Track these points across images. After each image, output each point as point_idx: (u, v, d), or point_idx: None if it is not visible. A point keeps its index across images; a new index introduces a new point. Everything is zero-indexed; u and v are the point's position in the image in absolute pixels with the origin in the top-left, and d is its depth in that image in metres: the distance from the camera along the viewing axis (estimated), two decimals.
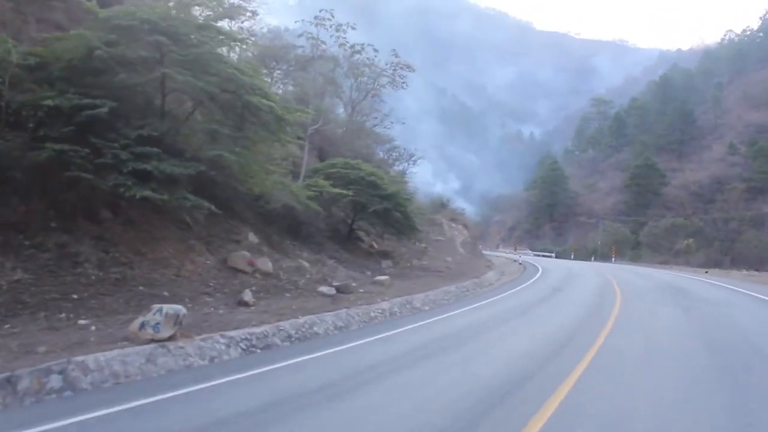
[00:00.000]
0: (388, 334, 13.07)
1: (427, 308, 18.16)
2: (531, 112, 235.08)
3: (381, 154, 58.46)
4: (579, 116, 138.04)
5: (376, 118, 50.13)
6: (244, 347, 10.59)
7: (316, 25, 27.70)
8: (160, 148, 13.98)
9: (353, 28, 30.73)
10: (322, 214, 25.37)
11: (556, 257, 78.11)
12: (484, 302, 20.15)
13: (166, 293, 12.95)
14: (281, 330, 11.77)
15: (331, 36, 28.12)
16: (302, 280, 17.40)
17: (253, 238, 18.23)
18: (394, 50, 46.15)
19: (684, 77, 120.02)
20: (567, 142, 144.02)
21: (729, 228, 74.50)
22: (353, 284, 18.78)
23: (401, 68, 46.26)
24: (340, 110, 47.48)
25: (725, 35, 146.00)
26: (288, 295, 15.58)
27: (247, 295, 13.50)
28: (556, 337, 13.04)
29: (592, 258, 74.31)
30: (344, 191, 24.24)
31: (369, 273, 23.28)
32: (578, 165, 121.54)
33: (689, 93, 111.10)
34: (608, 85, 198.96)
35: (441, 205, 65.03)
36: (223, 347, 10.21)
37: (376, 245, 31.01)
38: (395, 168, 58.95)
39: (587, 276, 35.25)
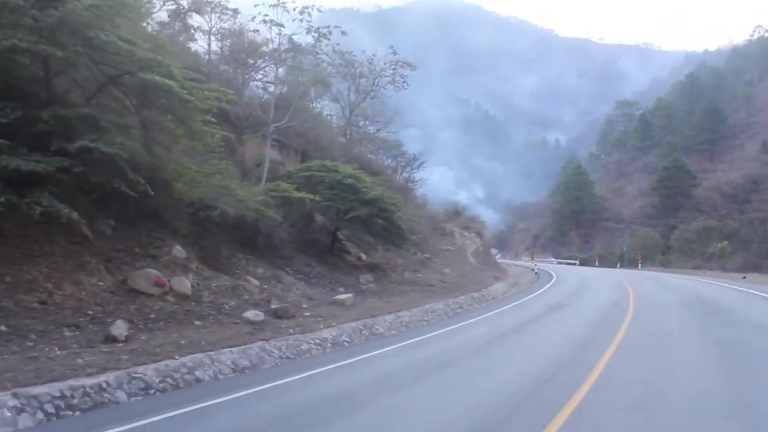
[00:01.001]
0: (297, 377, 9.54)
1: (392, 333, 14.57)
2: (555, 119, 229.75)
3: (389, 161, 55.08)
4: (604, 121, 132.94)
5: (378, 121, 46.65)
6: (51, 411, 7.10)
7: (274, 6, 24.25)
8: (20, 139, 10.72)
9: (319, 11, 27.26)
10: (287, 222, 21.98)
11: (581, 265, 73.71)
12: (463, 324, 16.48)
13: (3, 328, 9.56)
14: (135, 379, 8.27)
15: (294, 20, 24.65)
16: (232, 302, 13.89)
17: (179, 252, 14.79)
18: (391, 47, 42.77)
19: (712, 76, 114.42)
20: (592, 147, 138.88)
21: (767, 229, 69.25)
22: (303, 306, 15.28)
23: (401, 67, 42.90)
24: (337, 113, 44.22)
25: (755, 31, 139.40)
26: (198, 323, 12.09)
27: (118, 328, 10.04)
28: (498, 403, 7.98)
29: (618, 265, 69.68)
30: (309, 196, 20.77)
31: (342, 290, 19.72)
32: (604, 169, 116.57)
33: (718, 92, 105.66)
34: (634, 89, 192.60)
35: (456, 212, 61.26)
36: (8, 414, 6.73)
37: (364, 257, 27.43)
38: (404, 175, 55.58)
39: (601, 288, 30.67)
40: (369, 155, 49.14)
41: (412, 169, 55.43)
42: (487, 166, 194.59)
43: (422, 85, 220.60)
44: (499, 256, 79.27)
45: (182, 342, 10.17)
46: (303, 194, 20.54)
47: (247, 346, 10.55)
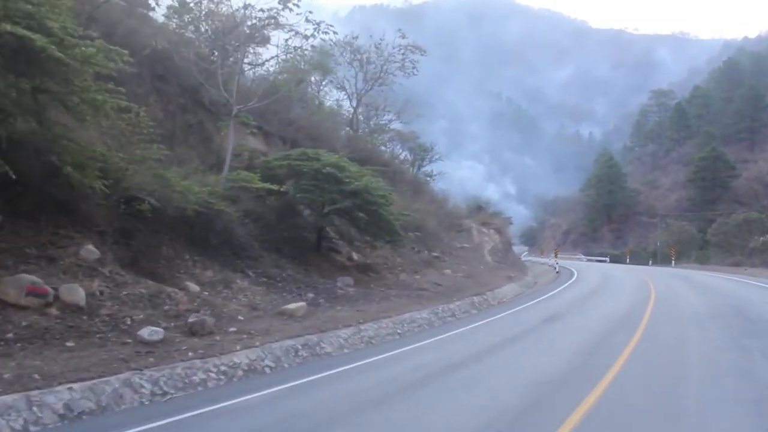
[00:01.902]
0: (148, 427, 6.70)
1: (344, 352, 11.73)
2: (589, 112, 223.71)
3: (405, 153, 52.08)
4: (638, 113, 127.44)
5: (388, 111, 43.65)
6: None
7: None
8: None
9: None
10: (253, 217, 19.19)
11: (611, 262, 69.77)
12: (432, 340, 13.47)
13: None
14: None
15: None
16: (142, 315, 11.10)
17: (90, 252, 12.10)
18: (399, 30, 39.79)
19: (752, 61, 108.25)
20: (627, 140, 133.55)
21: None
22: (239, 318, 12.47)
23: (411, 51, 39.93)
24: (344, 102, 41.37)
25: None
26: (72, 344, 9.32)
27: None
28: None
29: (650, 262, 65.47)
30: (274, 186, 17.98)
31: (311, 296, 16.89)
32: (638, 162, 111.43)
33: (759, 77, 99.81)
34: (670, 79, 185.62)
35: (478, 208, 57.94)
36: None
37: (356, 257, 24.53)
38: (422, 168, 52.54)
39: (620, 290, 26.88)
40: (381, 147, 46.32)
41: (428, 162, 52.24)
42: (518, 161, 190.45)
43: (452, 78, 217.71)
44: (525, 253, 75.71)
45: (6, 375, 7.41)
46: (268, 185, 17.71)
47: (104, 379, 7.76)
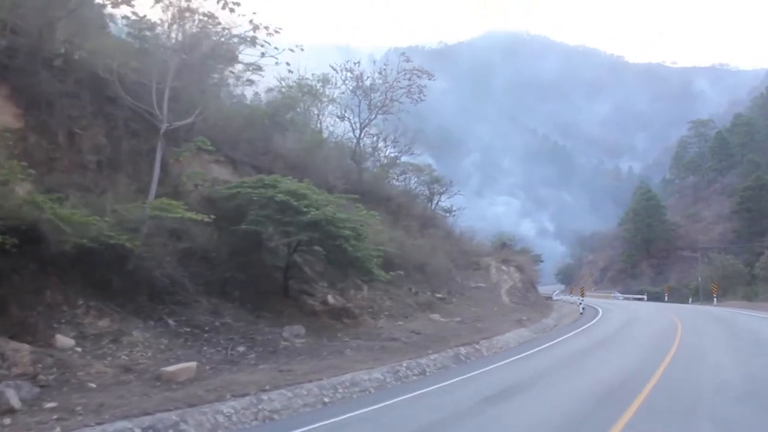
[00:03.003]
0: None
1: None
2: (628, 147, 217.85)
3: (421, 188, 48.78)
4: (677, 144, 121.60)
5: (397, 141, 40.56)
6: None
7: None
8: None
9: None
10: (193, 255, 16.09)
11: (649, 299, 64.64)
12: (367, 410, 9.94)
13: None
14: None
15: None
16: None
17: None
18: (404, 53, 36.98)
19: None
20: (667, 173, 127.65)
21: None
22: (90, 385, 9.25)
23: (417, 75, 37.04)
24: (348, 134, 38.41)
25: None
26: None
27: None
28: None
29: (690, 300, 60.11)
30: (199, 217, 14.86)
31: (241, 350, 13.62)
32: (679, 195, 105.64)
33: None
34: (711, 111, 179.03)
35: (502, 245, 54.05)
36: None
37: (333, 300, 21.17)
38: (439, 203, 49.14)
39: (635, 339, 22.07)
40: (394, 181, 43.21)
41: (446, 196, 48.78)
42: (555, 196, 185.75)
43: (487, 115, 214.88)
44: (557, 292, 71.19)
45: None
46: (191, 215, 14.60)
47: None
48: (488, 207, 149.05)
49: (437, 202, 48.76)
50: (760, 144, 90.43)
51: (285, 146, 26.69)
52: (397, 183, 44.13)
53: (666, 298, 64.45)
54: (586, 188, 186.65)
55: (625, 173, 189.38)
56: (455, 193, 49.14)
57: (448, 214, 49.48)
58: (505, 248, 52.11)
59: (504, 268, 40.18)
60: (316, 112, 35.22)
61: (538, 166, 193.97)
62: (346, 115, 36.98)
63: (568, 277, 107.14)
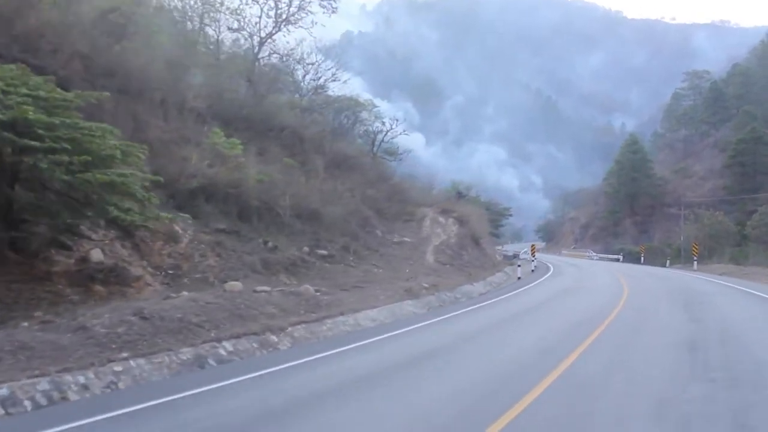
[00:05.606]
0: None
1: None
2: (622, 103, 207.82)
3: (357, 125, 40.99)
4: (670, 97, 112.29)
5: (314, 63, 32.43)
6: None
7: None
8: None
9: None
10: None
11: (625, 261, 57.34)
12: None
13: None
14: None
15: None
16: None
17: None
18: None
19: None
20: (658, 126, 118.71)
21: None
22: None
23: None
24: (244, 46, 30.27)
25: None
26: None
27: None
28: None
29: (667, 263, 52.66)
30: None
31: None
32: (669, 149, 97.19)
33: None
34: (709, 68, 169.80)
35: (458, 194, 46.44)
36: None
37: (103, 255, 13.57)
38: (384, 143, 41.45)
39: (548, 321, 15.11)
40: (316, 115, 35.28)
41: (388, 137, 40.95)
42: (542, 151, 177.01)
43: (475, 68, 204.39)
44: (525, 250, 63.68)
45: None
46: None
47: None
48: (468, 157, 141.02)
49: (379, 143, 41.06)
50: (756, 96, 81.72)
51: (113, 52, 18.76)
52: (324, 118, 36.30)
53: (642, 259, 57.05)
54: (577, 144, 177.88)
55: (618, 130, 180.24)
56: (400, 134, 41.30)
57: (391, 158, 41.76)
58: (461, 199, 44.61)
59: (441, 219, 32.57)
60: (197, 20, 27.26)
61: (527, 119, 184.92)
62: (242, 25, 28.82)
63: (549, 235, 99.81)
